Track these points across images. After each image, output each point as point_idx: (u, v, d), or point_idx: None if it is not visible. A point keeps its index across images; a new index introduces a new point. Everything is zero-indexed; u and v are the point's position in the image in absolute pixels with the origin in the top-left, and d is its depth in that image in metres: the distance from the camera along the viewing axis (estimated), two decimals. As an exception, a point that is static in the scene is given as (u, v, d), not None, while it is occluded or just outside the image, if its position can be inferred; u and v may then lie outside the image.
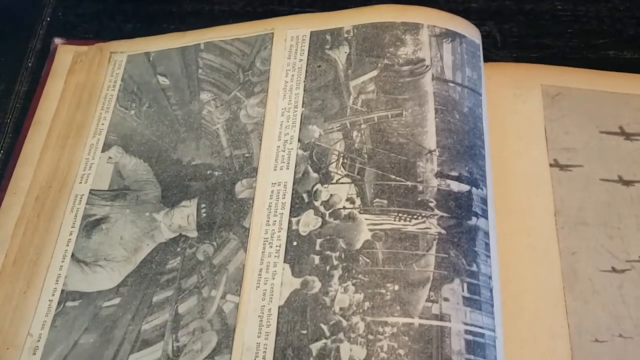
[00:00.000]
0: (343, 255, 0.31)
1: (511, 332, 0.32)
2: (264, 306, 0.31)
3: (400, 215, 0.31)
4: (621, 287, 0.35)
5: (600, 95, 0.40)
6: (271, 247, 0.32)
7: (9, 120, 0.43)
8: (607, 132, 0.39)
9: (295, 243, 0.32)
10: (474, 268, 0.31)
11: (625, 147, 0.39)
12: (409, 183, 0.32)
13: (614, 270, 0.35)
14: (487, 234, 0.32)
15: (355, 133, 0.35)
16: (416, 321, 0.29)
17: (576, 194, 0.37)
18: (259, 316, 0.31)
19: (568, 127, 0.39)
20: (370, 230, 0.31)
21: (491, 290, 0.31)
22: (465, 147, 0.34)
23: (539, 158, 0.38)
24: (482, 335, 0.29)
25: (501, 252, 0.34)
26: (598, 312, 0.34)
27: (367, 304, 0.29)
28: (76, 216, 0.37)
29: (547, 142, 0.39)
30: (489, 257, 0.32)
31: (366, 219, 0.32)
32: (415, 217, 0.31)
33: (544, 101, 0.40)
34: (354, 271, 0.30)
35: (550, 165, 0.38)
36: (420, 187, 0.32)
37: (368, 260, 0.31)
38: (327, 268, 0.31)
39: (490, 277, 0.31)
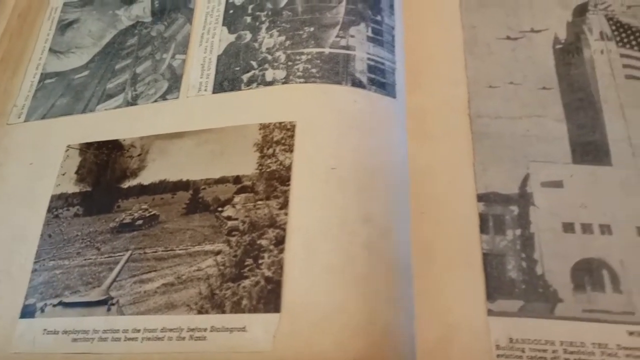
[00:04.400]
0: (270, 13, 0.37)
1: (413, 76, 0.38)
2: (205, 57, 0.37)
3: (316, -20, 0.37)
4: (515, 49, 0.41)
5: None
6: (212, 17, 0.39)
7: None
8: None
9: (231, 11, 0.38)
10: (379, 18, 0.37)
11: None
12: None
13: (508, 38, 0.41)
14: (392, -2, 0.38)
15: None
16: (327, 50, 0.35)
17: (478, -14, 0.43)
18: (201, 64, 0.37)
19: None
20: (292, -6, 0.38)
21: (393, 37, 0.37)
22: None
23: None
24: (382, 64, 0.36)
25: (407, 26, 0.40)
26: (493, 67, 0.40)
27: (288, 42, 0.36)
28: (52, 22, 0.43)
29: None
30: (393, 14, 0.38)
31: (290, -11, 0.38)
32: (328, -19, 0.37)
33: None
34: (278, 22, 0.37)
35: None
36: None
37: (290, 13, 0.37)
38: (257, 23, 0.37)
39: (393, 28, 0.37)
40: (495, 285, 0.33)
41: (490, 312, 0.32)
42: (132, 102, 0.37)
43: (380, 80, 0.35)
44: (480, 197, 0.35)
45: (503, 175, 0.36)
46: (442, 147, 0.37)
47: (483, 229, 0.34)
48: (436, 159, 0.37)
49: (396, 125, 0.34)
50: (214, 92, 0.35)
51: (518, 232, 0.34)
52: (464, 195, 0.35)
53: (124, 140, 0.36)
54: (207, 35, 0.38)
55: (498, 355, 0.31)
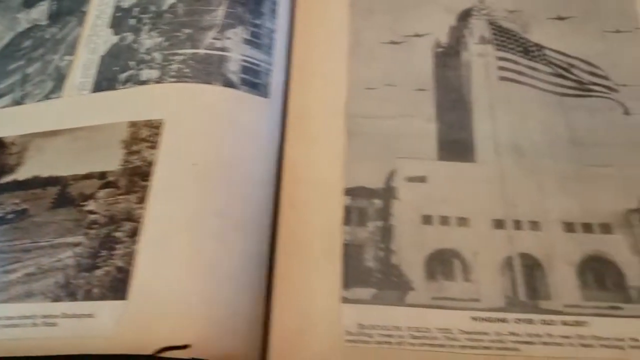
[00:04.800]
0: (153, 15, 0.39)
1: (298, 77, 0.40)
2: (89, 57, 0.39)
3: (199, -15, 0.39)
4: (396, 53, 0.42)
5: None
6: (100, 19, 0.40)
7: None
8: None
9: (118, 14, 0.40)
10: (258, 22, 0.39)
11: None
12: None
13: (392, 42, 0.43)
14: (275, 2, 0.40)
15: None
16: (202, 51, 0.37)
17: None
18: (84, 65, 0.38)
19: None
20: (175, -3, 0.39)
21: (273, 40, 0.39)
22: None
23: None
24: (257, 65, 0.37)
25: (298, 30, 0.42)
26: (373, 70, 0.42)
27: (165, 43, 0.37)
28: (-44, 25, 0.44)
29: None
30: (275, 18, 0.39)
31: (171, -8, 0.39)
32: (211, -13, 0.39)
33: None
34: (159, 24, 0.38)
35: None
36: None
37: (171, 16, 0.38)
38: (140, 25, 0.39)
39: (273, 31, 0.39)
40: (352, 275, 0.34)
41: (344, 300, 0.33)
42: (20, 101, 0.38)
43: (253, 80, 0.36)
44: (348, 192, 0.37)
45: (371, 170, 0.38)
46: (318, 144, 0.39)
47: (346, 221, 0.36)
48: (311, 155, 0.38)
49: (266, 124, 0.36)
50: (92, 92, 0.37)
51: (379, 223, 0.36)
52: (333, 189, 0.37)
53: (7, 138, 0.37)
54: (93, 37, 0.40)
55: (347, 341, 0.32)
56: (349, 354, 0.32)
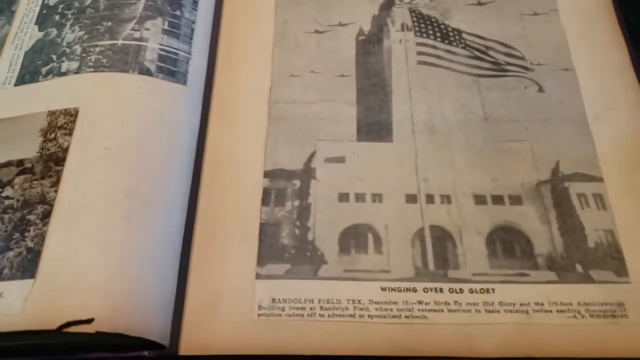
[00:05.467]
0: (76, 11, 0.40)
1: (224, 67, 0.41)
2: (14, 53, 0.40)
3: (121, -20, 0.40)
4: (320, 42, 0.44)
5: None
6: (27, 17, 0.41)
7: None
8: None
9: (44, 11, 0.41)
10: (178, 13, 0.40)
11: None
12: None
13: (316, 31, 0.44)
14: (197, -5, 0.41)
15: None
16: (119, 42, 0.38)
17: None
18: (10, 60, 0.40)
19: None
20: (97, -8, 0.40)
21: (192, 30, 0.40)
22: None
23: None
24: (175, 54, 0.38)
25: (225, 21, 0.43)
26: (297, 58, 0.43)
27: (86, 36, 0.38)
28: None
29: None
30: (195, 9, 0.41)
31: (98, -9, 0.41)
32: (132, -20, 0.40)
33: None
34: (81, 19, 0.39)
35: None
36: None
37: (92, 10, 0.40)
38: (63, 21, 0.40)
39: (194, 22, 0.40)
40: (267, 252, 0.35)
41: (258, 276, 0.34)
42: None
43: (170, 68, 0.38)
44: (267, 174, 0.38)
45: (291, 153, 0.39)
46: (240, 129, 0.40)
47: (265, 201, 0.37)
48: (233, 139, 0.39)
49: (182, 109, 0.37)
50: (15, 85, 0.38)
51: (297, 203, 0.37)
52: (253, 172, 0.38)
53: None
54: (20, 34, 0.41)
55: (259, 315, 0.33)
56: (260, 327, 0.33)
